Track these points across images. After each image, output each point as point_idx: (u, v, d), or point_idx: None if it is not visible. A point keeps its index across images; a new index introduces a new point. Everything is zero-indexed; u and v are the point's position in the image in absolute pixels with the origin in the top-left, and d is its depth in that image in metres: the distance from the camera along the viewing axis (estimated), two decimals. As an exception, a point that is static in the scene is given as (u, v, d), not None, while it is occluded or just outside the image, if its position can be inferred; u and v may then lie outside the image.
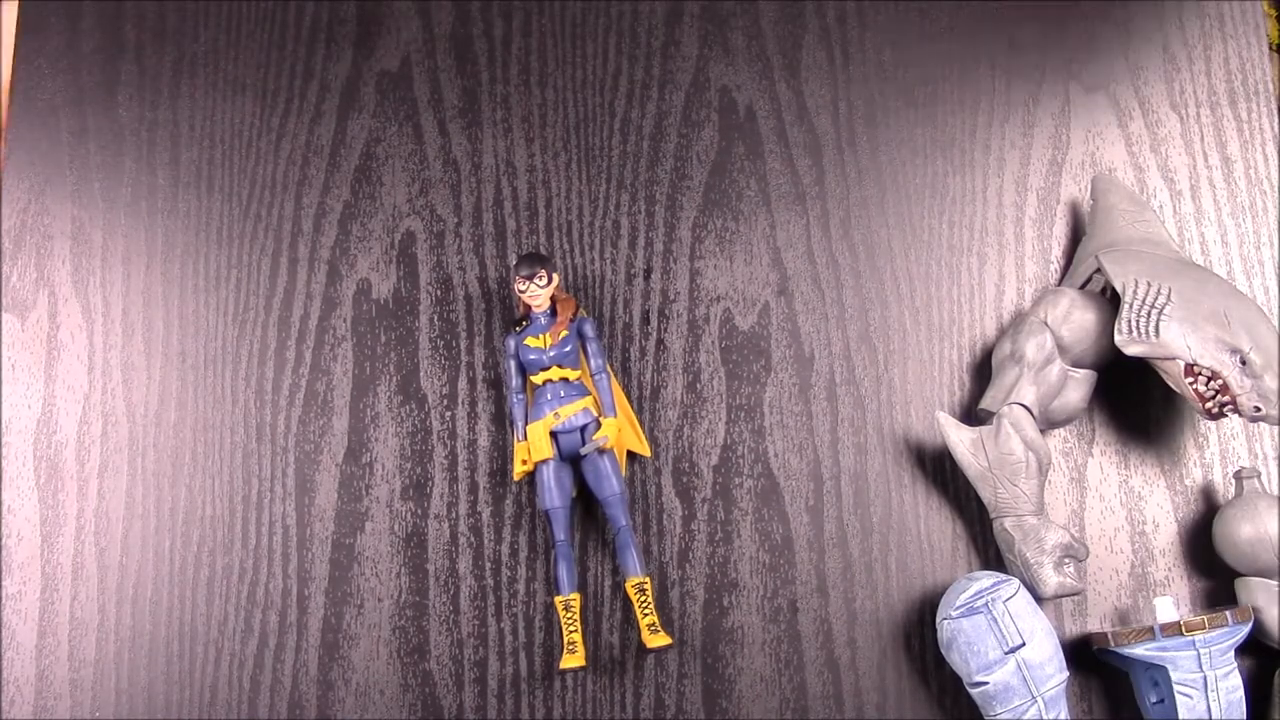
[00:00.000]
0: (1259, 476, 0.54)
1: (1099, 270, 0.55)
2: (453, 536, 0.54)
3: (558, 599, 0.51)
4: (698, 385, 0.57)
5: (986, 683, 0.49)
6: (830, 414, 0.56)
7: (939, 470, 0.56)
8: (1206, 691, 0.49)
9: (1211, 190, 0.61)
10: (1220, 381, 0.50)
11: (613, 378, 0.54)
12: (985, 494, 0.53)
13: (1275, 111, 0.62)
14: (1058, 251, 0.60)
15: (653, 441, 0.56)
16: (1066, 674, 0.50)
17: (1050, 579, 0.51)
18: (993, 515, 0.53)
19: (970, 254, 0.59)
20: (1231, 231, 0.60)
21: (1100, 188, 0.58)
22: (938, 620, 0.51)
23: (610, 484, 0.52)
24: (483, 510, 0.55)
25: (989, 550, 0.55)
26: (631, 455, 0.55)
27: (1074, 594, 0.52)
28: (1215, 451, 0.57)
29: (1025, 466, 0.52)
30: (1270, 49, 0.64)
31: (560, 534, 0.52)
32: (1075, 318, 0.54)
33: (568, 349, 0.53)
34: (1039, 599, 0.52)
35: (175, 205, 0.58)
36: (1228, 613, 0.50)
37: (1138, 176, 0.61)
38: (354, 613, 0.54)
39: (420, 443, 0.55)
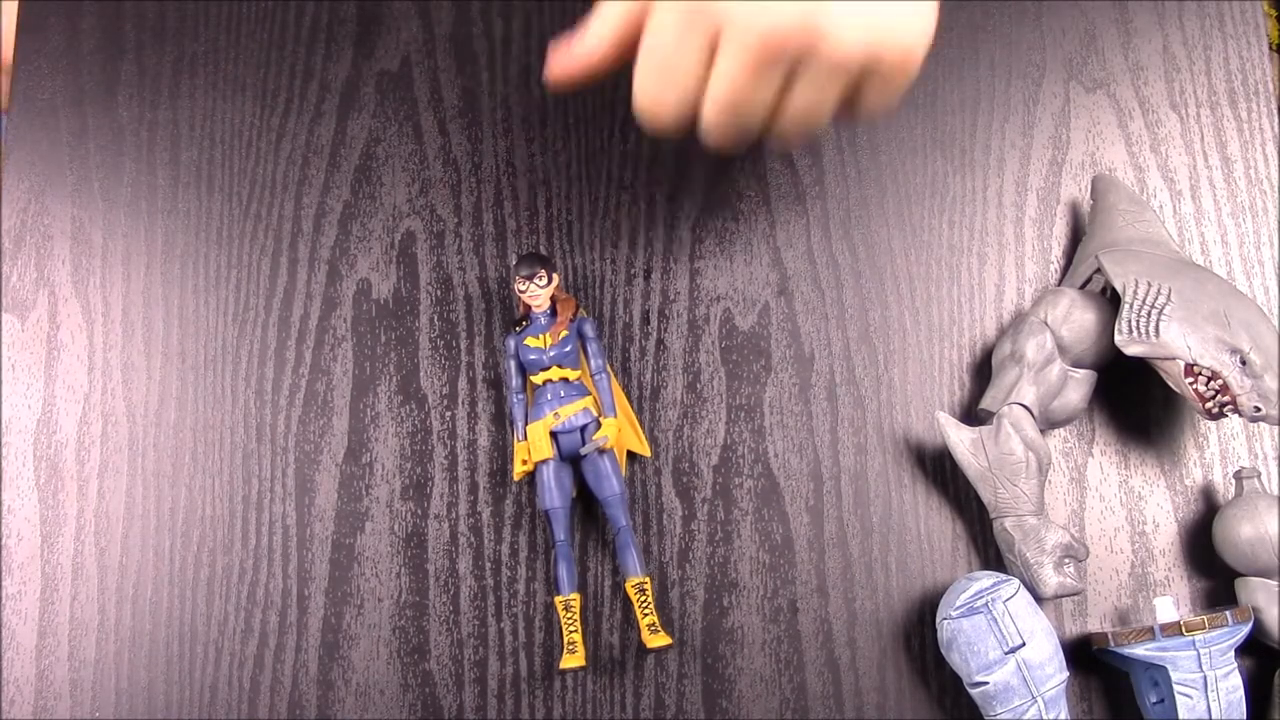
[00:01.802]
0: (1259, 476, 0.54)
1: (1099, 270, 0.55)
2: (453, 536, 0.54)
3: (558, 599, 0.51)
4: (698, 385, 0.57)
5: (986, 683, 0.49)
6: (830, 414, 0.56)
7: (939, 470, 0.56)
8: (1206, 691, 0.49)
9: (1211, 190, 0.61)
10: (1220, 381, 0.50)
11: (613, 378, 0.54)
12: (985, 494, 0.53)
13: (1275, 111, 0.62)
14: (1058, 251, 0.60)
15: (653, 441, 0.56)
16: (1066, 674, 0.50)
17: (1050, 579, 0.51)
18: (993, 515, 0.53)
19: (970, 254, 0.59)
20: (1231, 231, 0.60)
21: (1100, 188, 0.58)
22: (938, 620, 0.51)
23: (610, 484, 0.52)
24: (483, 510, 0.55)
25: (989, 550, 0.55)
26: (631, 455, 0.55)
27: (1074, 594, 0.52)
28: (1215, 451, 0.57)
29: (1025, 466, 0.52)
30: (1270, 49, 0.64)
31: (560, 534, 0.52)
32: (1075, 318, 0.54)
33: (568, 349, 0.52)
34: (1039, 599, 0.52)
35: (175, 205, 0.58)
36: (1228, 613, 0.50)
37: (1138, 176, 0.61)
38: (354, 613, 0.54)
39: (420, 443, 0.55)
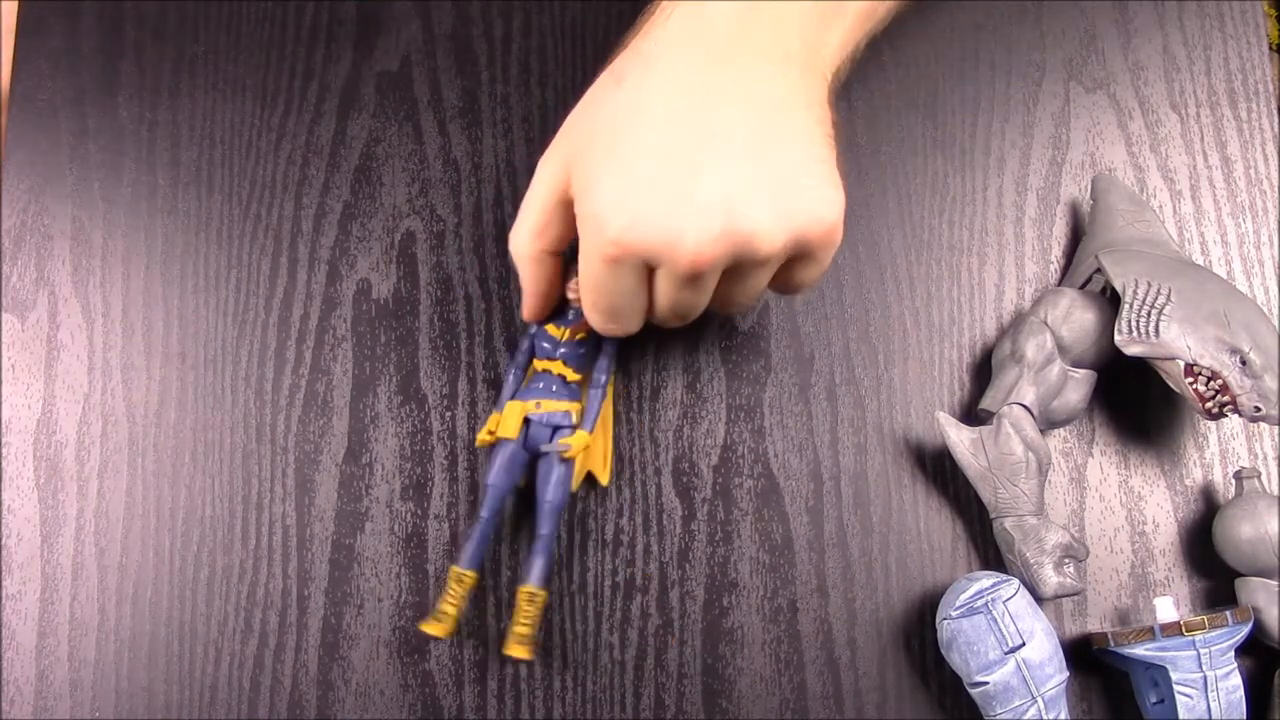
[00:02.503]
0: (1259, 476, 0.54)
1: (1099, 270, 0.55)
2: (453, 537, 0.54)
3: (454, 569, 0.50)
4: (698, 385, 0.57)
5: (986, 683, 0.49)
6: (830, 414, 0.56)
7: (939, 470, 0.56)
8: (1206, 691, 0.50)
9: (1211, 190, 0.61)
10: (1220, 381, 0.50)
11: (609, 399, 0.54)
12: (985, 494, 0.53)
13: (1275, 111, 0.62)
14: (1058, 251, 0.60)
15: (653, 441, 0.56)
16: (1066, 674, 0.50)
17: (1050, 579, 0.51)
18: (993, 515, 0.53)
19: (970, 254, 0.59)
20: (1231, 231, 0.60)
21: (1100, 188, 0.58)
22: (938, 620, 0.51)
23: (554, 491, 0.51)
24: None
25: (989, 550, 0.55)
26: (590, 481, 0.54)
27: (1074, 594, 0.52)
28: (1215, 451, 0.57)
29: (1025, 467, 0.52)
30: (1270, 49, 0.64)
31: (486, 512, 0.51)
32: (1075, 318, 0.54)
33: (581, 351, 0.52)
34: (1039, 599, 0.52)
35: (175, 205, 0.58)
36: (1228, 613, 0.50)
37: (1138, 176, 0.61)
38: (354, 613, 0.54)
39: (420, 443, 0.55)
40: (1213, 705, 0.49)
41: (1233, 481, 0.56)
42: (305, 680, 0.53)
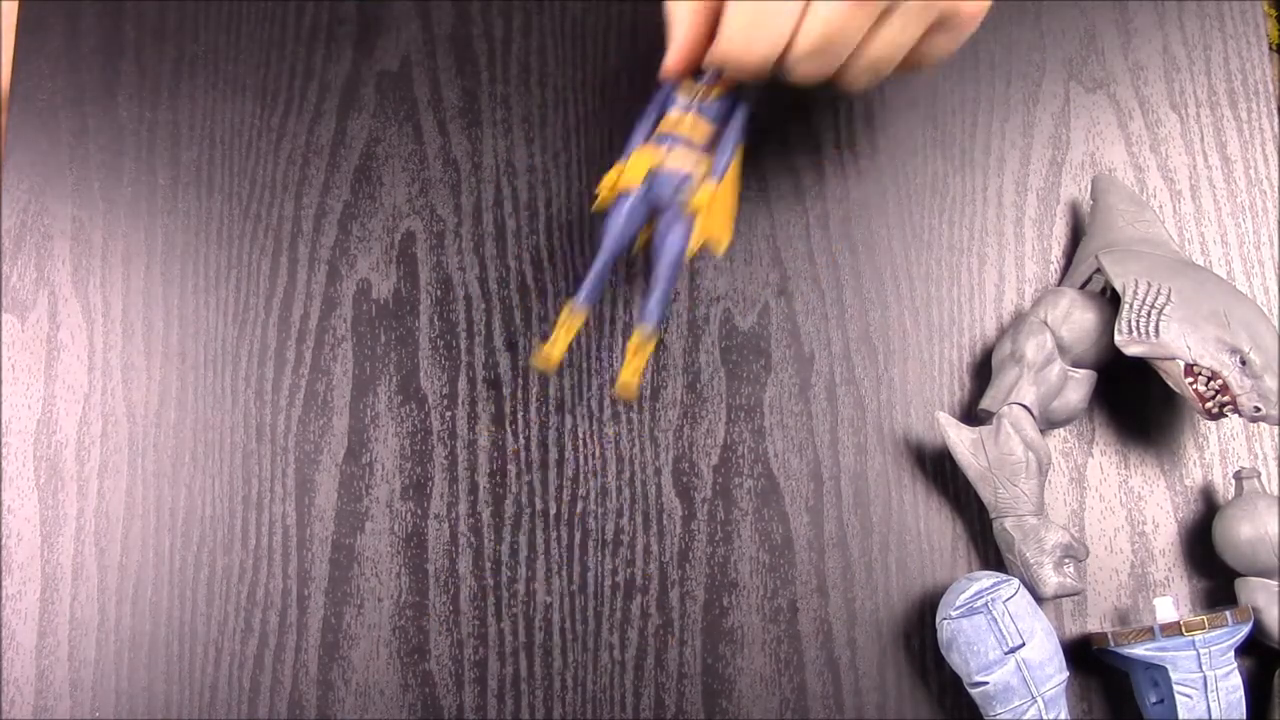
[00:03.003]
0: (1259, 476, 0.54)
1: (1099, 270, 0.55)
2: (453, 536, 0.54)
3: (568, 304, 0.49)
4: (698, 385, 0.57)
5: (986, 683, 0.49)
6: (830, 414, 0.56)
7: (939, 470, 0.56)
8: (1206, 691, 0.50)
9: (1211, 190, 0.61)
10: (1220, 381, 0.50)
11: (738, 160, 0.51)
12: (985, 494, 0.53)
13: (1275, 111, 0.62)
14: (1058, 251, 0.60)
15: (653, 441, 0.56)
16: (1066, 674, 0.50)
17: (1050, 579, 0.51)
18: (993, 515, 0.53)
19: (970, 254, 0.59)
20: (1231, 231, 0.60)
21: (1100, 188, 0.58)
22: (938, 620, 0.51)
23: (671, 244, 0.49)
24: (483, 510, 0.55)
25: (989, 550, 0.55)
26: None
27: (1074, 594, 0.52)
28: (1215, 451, 0.57)
29: (1025, 467, 0.52)
30: (1270, 49, 0.64)
31: (605, 254, 0.49)
32: (1075, 318, 0.54)
33: (711, 113, 0.50)
34: (1039, 599, 0.52)
35: (175, 205, 0.58)
36: (1228, 613, 0.50)
37: (1138, 176, 0.61)
38: (354, 613, 0.54)
39: (420, 443, 0.55)
40: (1212, 705, 0.49)
41: (1233, 481, 0.56)
42: (305, 680, 0.53)
